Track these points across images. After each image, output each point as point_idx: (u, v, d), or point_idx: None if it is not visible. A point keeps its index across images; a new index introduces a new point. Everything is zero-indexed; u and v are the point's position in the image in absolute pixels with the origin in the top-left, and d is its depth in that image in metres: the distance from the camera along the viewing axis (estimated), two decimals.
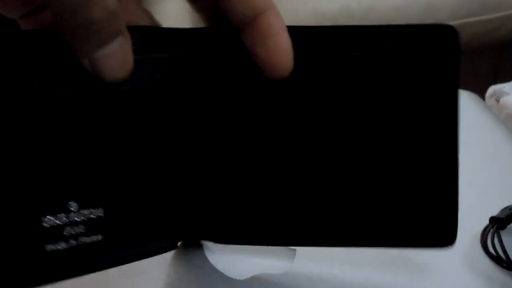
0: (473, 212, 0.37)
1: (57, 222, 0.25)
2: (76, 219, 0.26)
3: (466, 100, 0.50)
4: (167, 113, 0.28)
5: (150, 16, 0.31)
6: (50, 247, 0.25)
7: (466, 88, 0.52)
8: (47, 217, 0.25)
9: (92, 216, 0.26)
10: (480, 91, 0.57)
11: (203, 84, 0.29)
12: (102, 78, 0.27)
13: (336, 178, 0.30)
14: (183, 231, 0.30)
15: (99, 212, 0.27)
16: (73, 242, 0.26)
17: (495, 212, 0.38)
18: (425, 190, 0.30)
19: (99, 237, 0.26)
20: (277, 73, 0.30)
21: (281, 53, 0.30)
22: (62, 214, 0.25)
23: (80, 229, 0.26)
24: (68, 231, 0.26)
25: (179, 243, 0.31)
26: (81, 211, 0.26)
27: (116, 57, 0.27)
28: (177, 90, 0.29)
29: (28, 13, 0.31)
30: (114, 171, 0.27)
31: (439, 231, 0.31)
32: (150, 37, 0.28)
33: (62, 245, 0.25)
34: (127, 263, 0.28)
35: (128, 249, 0.28)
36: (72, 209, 0.26)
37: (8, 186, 0.25)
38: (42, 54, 0.26)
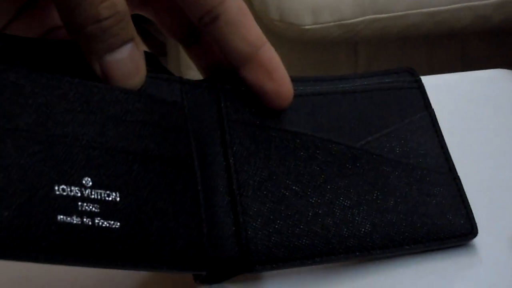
0: None
1: (70, 193, 0.26)
2: (90, 196, 0.26)
3: (502, 78, 0.48)
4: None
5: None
6: (62, 217, 0.25)
7: (507, 67, 0.50)
8: (61, 186, 0.25)
9: (107, 198, 0.26)
10: None
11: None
12: (113, 84, 0.28)
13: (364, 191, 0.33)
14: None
15: (115, 196, 0.27)
16: (87, 221, 0.26)
17: None
18: (430, 186, 0.35)
19: (117, 225, 0.26)
20: (284, 102, 0.32)
21: (286, 83, 0.32)
22: (76, 187, 0.26)
23: (95, 208, 0.26)
24: (82, 206, 0.26)
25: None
26: (96, 190, 0.26)
27: (127, 64, 0.28)
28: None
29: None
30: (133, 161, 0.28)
31: (456, 222, 0.34)
32: (155, 61, 0.31)
33: (75, 220, 0.25)
34: (149, 267, 0.27)
35: (150, 249, 0.27)
36: (86, 184, 0.26)
37: (25, 147, 0.25)
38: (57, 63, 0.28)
